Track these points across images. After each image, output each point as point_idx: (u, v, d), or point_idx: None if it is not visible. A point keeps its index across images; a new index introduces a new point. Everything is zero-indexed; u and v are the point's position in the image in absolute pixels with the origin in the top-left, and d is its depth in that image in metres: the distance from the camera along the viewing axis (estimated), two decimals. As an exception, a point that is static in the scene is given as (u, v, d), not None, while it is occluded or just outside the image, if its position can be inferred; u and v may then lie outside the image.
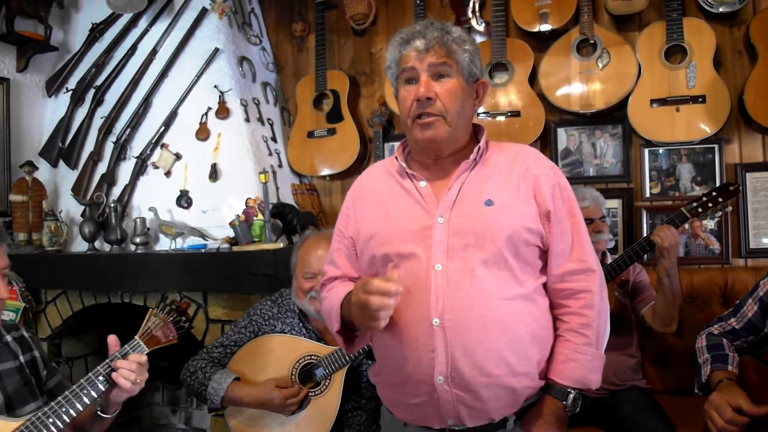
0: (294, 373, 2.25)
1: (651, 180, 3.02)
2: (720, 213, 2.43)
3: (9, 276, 1.69)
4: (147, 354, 1.71)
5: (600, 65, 2.94)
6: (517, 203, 1.50)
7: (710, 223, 2.92)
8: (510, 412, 1.49)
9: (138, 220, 3.21)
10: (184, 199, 3.22)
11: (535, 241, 1.50)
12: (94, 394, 1.60)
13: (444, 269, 1.44)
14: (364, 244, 1.60)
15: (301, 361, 2.26)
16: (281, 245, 2.89)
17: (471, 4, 3.23)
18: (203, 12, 3.37)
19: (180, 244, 3.16)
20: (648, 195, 3.02)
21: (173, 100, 3.35)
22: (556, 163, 3.09)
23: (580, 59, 2.97)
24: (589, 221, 2.46)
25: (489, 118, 3.10)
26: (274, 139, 3.53)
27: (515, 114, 3.07)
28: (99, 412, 1.70)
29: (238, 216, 2.94)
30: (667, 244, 2.30)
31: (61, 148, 3.61)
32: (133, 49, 3.53)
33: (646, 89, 2.87)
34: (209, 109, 3.29)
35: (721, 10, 2.79)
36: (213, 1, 3.32)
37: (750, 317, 1.89)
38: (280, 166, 3.50)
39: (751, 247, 2.86)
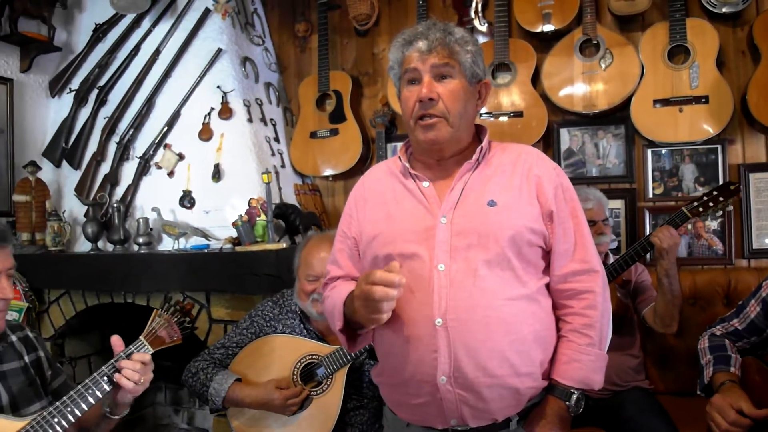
0: (295, 373, 2.25)
1: (654, 180, 3.02)
2: (721, 212, 2.43)
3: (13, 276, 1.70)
4: (151, 354, 1.72)
5: (603, 66, 2.93)
6: (520, 204, 1.50)
7: (713, 224, 2.92)
8: (513, 413, 1.49)
9: (141, 220, 3.22)
10: (187, 200, 3.22)
11: (538, 241, 1.50)
12: (99, 394, 1.61)
13: (447, 269, 1.44)
14: (366, 245, 1.60)
15: (302, 361, 2.26)
16: (284, 245, 2.89)
17: (474, 5, 3.23)
18: (206, 12, 3.38)
19: (183, 244, 3.16)
20: (651, 195, 3.02)
21: (176, 100, 3.36)
22: (559, 164, 3.09)
23: (582, 60, 2.97)
24: (591, 223, 2.45)
25: (492, 119, 3.10)
26: (276, 139, 3.53)
27: (518, 114, 3.07)
28: (108, 413, 1.71)
29: (240, 216, 2.95)
30: (666, 245, 2.29)
31: (64, 148, 3.62)
32: (136, 49, 3.53)
33: (649, 90, 2.86)
34: (212, 109, 3.30)
35: (724, 10, 2.79)
36: (216, 2, 3.33)
37: (752, 318, 1.89)
38: (283, 166, 3.50)
39: (754, 247, 2.86)
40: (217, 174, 3.20)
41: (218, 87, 3.30)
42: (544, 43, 3.10)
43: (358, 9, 3.38)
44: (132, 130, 3.45)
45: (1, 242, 1.60)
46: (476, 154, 1.55)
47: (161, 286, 3.02)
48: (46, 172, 3.62)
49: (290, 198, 3.42)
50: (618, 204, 3.04)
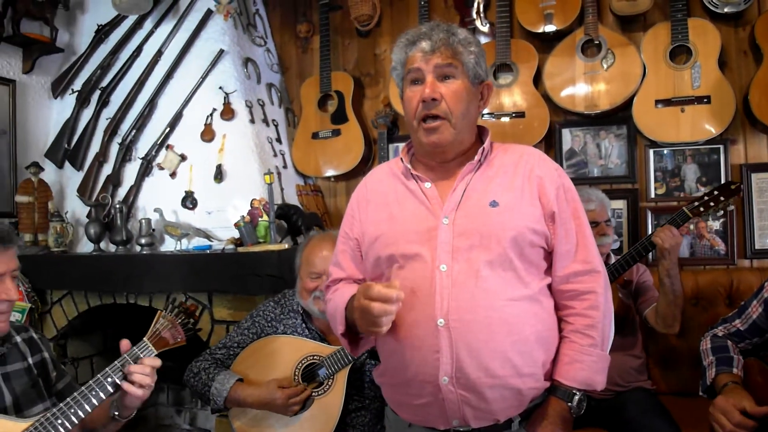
0: (297, 373, 2.26)
1: (656, 181, 3.01)
2: (722, 212, 2.42)
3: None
4: (160, 356, 1.72)
5: (605, 66, 2.93)
6: (522, 204, 1.50)
7: (715, 224, 2.92)
8: (515, 413, 1.49)
9: (143, 221, 3.22)
10: (189, 200, 3.23)
11: (540, 242, 1.50)
12: (102, 396, 1.61)
13: (449, 270, 1.44)
14: (369, 246, 1.60)
15: (303, 362, 2.26)
16: (286, 246, 2.90)
17: (475, 5, 3.23)
18: (208, 13, 3.38)
19: (185, 245, 3.17)
20: (653, 196, 3.02)
21: (178, 101, 3.36)
22: (561, 164, 3.09)
23: (584, 60, 2.97)
24: (594, 224, 2.45)
25: (493, 119, 3.10)
26: (278, 140, 3.53)
27: (520, 115, 3.07)
28: (116, 416, 1.71)
29: (243, 217, 2.95)
30: (667, 245, 2.29)
31: (66, 149, 3.63)
32: (139, 50, 3.54)
33: (650, 90, 2.86)
34: (214, 110, 3.30)
35: (726, 10, 2.79)
36: (218, 3, 3.34)
37: (755, 319, 1.89)
38: (285, 167, 3.50)
39: (756, 247, 2.86)
40: (219, 175, 3.21)
41: (220, 88, 3.30)
42: (546, 43, 3.10)
43: (360, 10, 3.39)
44: (134, 131, 3.45)
45: (6, 244, 1.60)
46: (478, 155, 1.55)
47: (163, 287, 3.02)
48: (49, 173, 3.62)
49: (292, 199, 3.42)
50: (620, 204, 3.04)
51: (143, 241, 3.19)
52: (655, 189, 3.02)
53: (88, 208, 3.44)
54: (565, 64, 3.01)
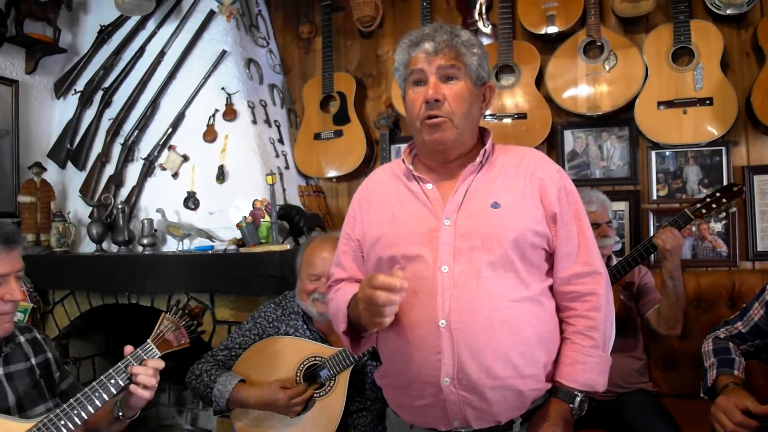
0: (298, 374, 2.26)
1: (658, 182, 3.01)
2: (724, 214, 2.42)
3: (18, 277, 1.71)
4: (161, 357, 1.73)
5: (607, 67, 2.93)
6: (524, 206, 1.50)
7: (717, 226, 2.91)
8: (516, 415, 1.49)
9: (145, 221, 3.22)
10: (191, 201, 3.23)
11: (542, 243, 1.50)
12: (105, 397, 1.62)
13: (450, 271, 1.45)
14: (370, 247, 1.60)
15: (305, 363, 2.27)
16: (288, 247, 2.90)
17: (477, 7, 3.23)
18: (211, 14, 3.39)
19: (187, 245, 3.17)
20: (655, 197, 3.02)
21: (181, 101, 3.36)
22: (563, 166, 3.09)
23: (587, 61, 2.97)
24: (595, 225, 2.46)
25: (495, 121, 3.10)
26: (281, 140, 3.54)
27: (522, 116, 3.07)
28: (120, 416, 1.72)
29: (245, 217, 2.95)
30: (669, 246, 2.29)
31: (69, 149, 3.63)
32: (141, 51, 3.54)
33: (653, 91, 2.86)
34: (216, 111, 3.30)
35: (728, 12, 2.78)
36: (221, 4, 3.34)
37: (756, 321, 1.89)
38: (287, 167, 3.50)
39: (758, 249, 2.85)
40: (221, 175, 3.21)
41: (223, 88, 3.30)
42: (548, 44, 3.10)
43: (363, 11, 3.39)
44: (137, 131, 3.45)
45: (11, 244, 1.61)
46: (480, 157, 1.55)
47: (165, 287, 3.03)
48: (51, 173, 3.63)
49: (294, 199, 3.43)
50: (622, 206, 3.04)
51: (145, 241, 3.20)
52: (657, 191, 3.01)
53: (91, 208, 3.45)
54: (567, 65, 3.01)
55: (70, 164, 3.64)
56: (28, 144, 3.68)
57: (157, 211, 3.20)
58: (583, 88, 2.98)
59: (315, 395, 2.23)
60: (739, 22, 2.87)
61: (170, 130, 3.36)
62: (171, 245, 3.27)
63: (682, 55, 2.85)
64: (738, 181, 2.87)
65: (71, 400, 1.58)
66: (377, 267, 1.57)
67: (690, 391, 2.47)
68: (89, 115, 3.64)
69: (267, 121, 3.46)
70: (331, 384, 2.23)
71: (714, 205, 2.32)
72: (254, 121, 3.33)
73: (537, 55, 3.08)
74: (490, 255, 1.45)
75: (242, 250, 2.93)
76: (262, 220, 2.97)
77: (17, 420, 1.56)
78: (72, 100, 3.71)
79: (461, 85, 1.52)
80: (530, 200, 1.51)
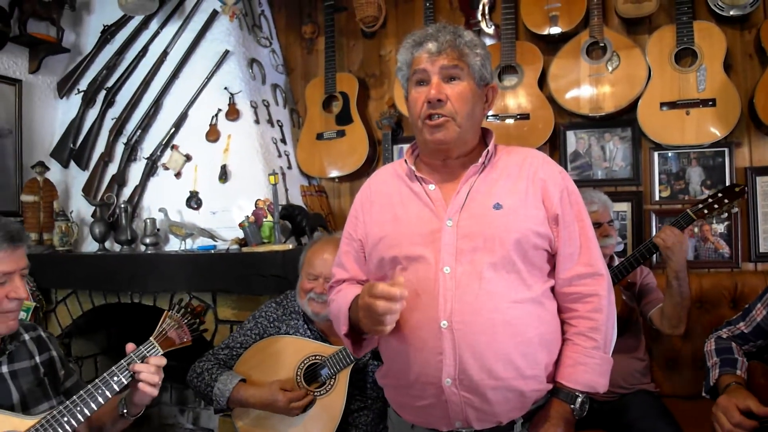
0: (299, 373, 2.26)
1: (660, 183, 3.01)
2: (726, 214, 2.42)
3: (21, 276, 1.71)
4: (164, 355, 1.73)
5: (610, 68, 2.93)
6: (526, 207, 1.50)
7: (720, 227, 2.91)
8: (518, 415, 1.50)
9: (148, 220, 3.23)
10: (194, 200, 3.23)
11: (544, 244, 1.50)
12: (108, 394, 1.62)
13: (452, 272, 1.45)
14: (372, 247, 1.60)
15: (305, 362, 2.27)
16: (290, 246, 2.90)
17: (481, 7, 3.23)
18: (214, 14, 3.39)
19: (190, 244, 3.17)
20: (657, 198, 3.01)
21: (184, 101, 3.37)
22: (565, 167, 3.09)
23: (589, 62, 2.97)
24: (597, 225, 2.46)
25: (498, 121, 3.10)
26: (283, 140, 3.54)
27: (524, 117, 3.07)
28: (125, 413, 1.73)
29: (247, 217, 2.96)
30: (669, 243, 2.28)
31: (72, 149, 3.64)
32: (144, 50, 3.55)
33: (656, 92, 2.86)
34: (219, 110, 3.31)
35: (731, 13, 2.78)
36: (224, 4, 3.34)
37: (759, 321, 1.89)
38: (290, 167, 3.51)
39: (761, 251, 2.85)
40: (224, 175, 3.22)
41: (225, 88, 3.31)
42: (551, 45, 3.10)
43: (365, 11, 3.39)
44: (139, 131, 3.46)
45: (16, 242, 1.61)
46: (482, 158, 1.55)
47: (168, 287, 3.03)
48: (54, 172, 3.63)
49: (297, 199, 3.43)
50: (624, 207, 3.03)
51: (148, 240, 3.20)
52: (660, 192, 3.01)
53: (93, 207, 3.45)
54: (570, 66, 3.01)
55: (73, 164, 3.65)
56: (31, 143, 3.69)
57: (160, 210, 3.20)
58: (586, 88, 2.97)
59: (316, 394, 2.23)
60: (743, 23, 2.86)
61: (173, 129, 3.37)
62: (173, 245, 3.28)
63: (685, 56, 2.85)
64: (741, 182, 2.86)
65: (74, 396, 1.59)
66: (379, 267, 1.58)
67: (692, 392, 2.48)
68: (92, 114, 3.64)
69: (270, 121, 3.46)
70: (332, 383, 2.23)
71: (716, 206, 2.32)
72: (257, 121, 3.33)
73: (540, 56, 3.08)
74: (492, 256, 1.45)
75: (245, 249, 2.94)
76: (264, 219, 2.97)
77: (21, 416, 1.57)
78: (75, 100, 3.71)
79: (464, 86, 1.52)
80: (532, 201, 1.51)
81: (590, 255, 1.55)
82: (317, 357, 2.26)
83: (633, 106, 2.91)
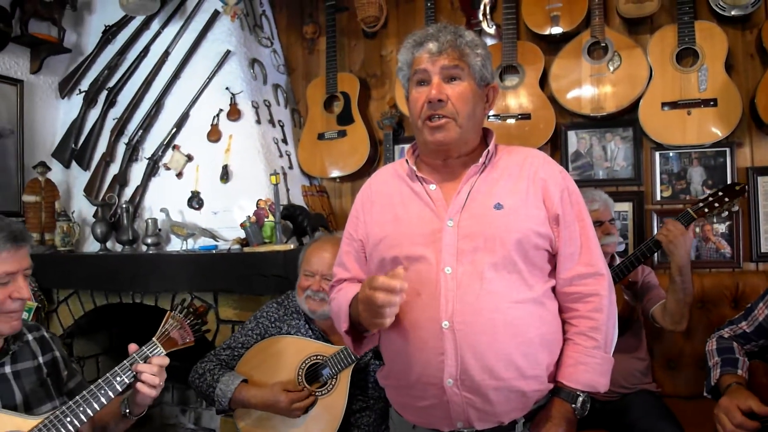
0: (300, 373, 2.26)
1: (662, 183, 3.01)
2: (727, 213, 2.42)
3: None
4: (166, 355, 1.74)
5: (611, 68, 2.93)
6: (527, 207, 1.50)
7: (721, 227, 2.91)
8: (519, 415, 1.50)
9: (149, 220, 3.23)
10: (195, 201, 3.24)
11: (544, 245, 1.50)
12: (111, 394, 1.62)
13: (454, 272, 1.45)
14: (373, 247, 1.61)
15: (307, 362, 2.27)
16: (292, 246, 2.90)
17: (482, 7, 3.23)
18: (215, 14, 3.39)
19: (191, 244, 3.17)
20: (659, 198, 3.01)
21: (185, 101, 3.37)
22: (567, 167, 3.09)
23: (591, 62, 2.96)
24: (599, 223, 2.47)
25: (499, 121, 3.10)
26: (284, 140, 3.54)
27: (525, 117, 3.07)
28: (127, 413, 1.73)
29: (249, 217, 2.96)
30: (672, 237, 2.28)
31: (73, 149, 3.64)
32: (146, 51, 3.55)
33: (657, 92, 2.86)
34: (221, 110, 3.31)
35: (733, 13, 2.78)
36: (225, 4, 3.34)
37: (761, 321, 1.89)
38: (291, 167, 3.51)
39: (762, 251, 2.84)
40: (225, 175, 3.22)
41: (227, 88, 3.31)
42: (553, 45, 3.10)
43: (367, 11, 3.39)
44: (141, 131, 3.46)
45: (20, 242, 1.61)
46: (483, 158, 1.55)
47: (169, 287, 3.04)
48: (56, 172, 3.64)
49: (298, 199, 3.43)
50: (626, 207, 3.03)
51: (149, 240, 3.21)
52: (661, 192, 3.01)
53: (95, 207, 3.46)
54: (571, 66, 3.01)
55: (74, 164, 3.65)
56: (33, 143, 3.69)
57: (162, 210, 3.21)
58: (587, 88, 2.97)
59: (317, 394, 2.23)
60: (744, 23, 2.86)
61: (174, 129, 3.37)
62: (175, 245, 3.28)
63: (687, 56, 2.85)
64: (742, 182, 2.86)
65: (77, 397, 1.59)
66: (380, 267, 1.57)
67: (693, 392, 2.48)
68: (94, 114, 3.65)
69: (271, 121, 3.46)
70: (333, 382, 2.23)
71: (716, 204, 2.32)
72: (258, 121, 3.34)
73: (541, 56, 3.08)
74: (493, 256, 1.45)
75: (246, 249, 2.94)
76: (265, 219, 2.97)
77: (24, 416, 1.57)
78: (76, 100, 3.72)
79: (464, 86, 1.52)
80: (533, 201, 1.51)
81: (591, 255, 1.55)
82: (319, 357, 2.26)
83: (634, 106, 2.92)
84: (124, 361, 1.67)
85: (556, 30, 3.01)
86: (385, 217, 1.61)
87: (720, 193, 2.33)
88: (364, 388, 2.28)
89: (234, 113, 3.29)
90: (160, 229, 3.25)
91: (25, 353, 1.72)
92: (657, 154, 3.01)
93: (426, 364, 1.46)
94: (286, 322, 2.38)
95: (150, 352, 1.71)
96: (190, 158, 3.33)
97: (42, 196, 3.47)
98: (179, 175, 3.34)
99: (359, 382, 2.26)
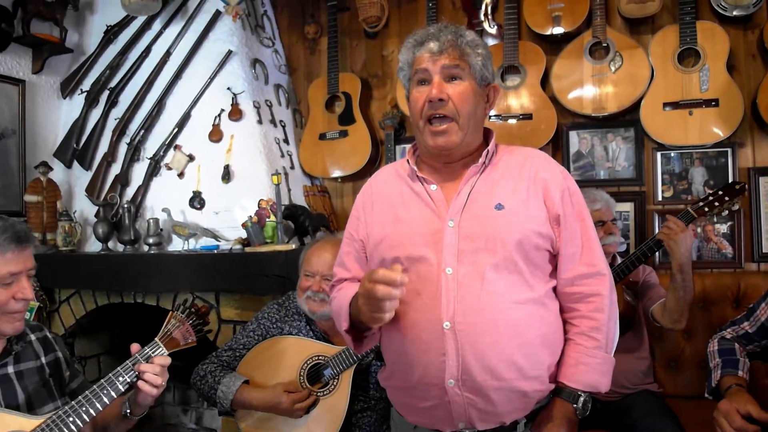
0: (302, 374, 2.26)
1: (663, 183, 3.01)
2: (727, 212, 2.42)
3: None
4: (168, 355, 1.74)
5: (613, 68, 2.93)
6: (528, 207, 1.50)
7: (723, 227, 2.91)
8: (521, 416, 1.50)
9: (151, 220, 3.23)
10: (196, 200, 3.24)
11: (545, 245, 1.50)
12: (113, 394, 1.63)
13: (455, 273, 1.45)
14: (374, 247, 1.61)
15: (309, 362, 2.27)
16: (293, 246, 2.90)
17: (483, 7, 3.23)
18: (217, 14, 3.39)
19: (193, 244, 3.18)
20: (660, 198, 3.01)
21: (186, 101, 3.37)
22: (568, 167, 3.09)
23: (592, 62, 2.96)
24: (601, 223, 2.47)
25: (501, 121, 3.10)
26: (286, 140, 3.54)
27: (527, 117, 3.07)
28: (128, 413, 1.73)
29: (250, 217, 2.96)
30: (673, 234, 2.28)
31: (75, 149, 3.64)
32: (147, 51, 3.55)
33: (659, 92, 2.86)
34: (222, 110, 3.31)
35: (734, 13, 2.78)
36: (227, 4, 3.34)
37: (763, 321, 1.89)
38: (292, 167, 3.51)
39: (763, 251, 2.84)
40: (226, 175, 3.22)
41: (228, 89, 3.31)
42: (554, 45, 3.10)
43: (368, 11, 3.38)
44: (142, 131, 3.46)
45: (23, 243, 1.62)
46: (482, 158, 1.55)
47: (171, 287, 3.04)
48: (57, 172, 3.64)
49: (299, 199, 3.43)
50: (627, 207, 3.03)
51: (151, 240, 3.21)
52: (663, 192, 3.01)
53: (97, 207, 3.46)
54: (572, 66, 3.00)
55: (76, 164, 3.65)
56: (35, 143, 3.69)
57: (163, 210, 3.21)
58: (589, 89, 2.97)
59: (319, 394, 2.24)
60: (746, 23, 2.86)
61: (176, 129, 3.37)
62: (176, 245, 3.28)
63: (688, 56, 2.85)
64: (743, 181, 2.86)
65: (80, 397, 1.60)
66: (381, 267, 1.57)
67: (695, 392, 2.48)
68: (95, 114, 3.65)
69: (272, 121, 3.46)
70: (335, 383, 2.23)
71: (716, 204, 2.32)
72: (260, 121, 3.34)
73: (542, 56, 3.07)
74: (494, 257, 1.45)
75: (247, 249, 2.94)
76: (267, 219, 2.98)
77: (27, 416, 1.57)
78: (78, 100, 3.72)
79: (465, 85, 1.52)
80: (534, 202, 1.51)
81: (592, 255, 1.55)
82: (320, 357, 2.26)
83: (636, 107, 2.91)
84: (127, 361, 1.67)
85: (558, 30, 3.01)
86: (386, 217, 1.61)
87: (720, 192, 2.33)
88: (366, 388, 2.28)
89: (235, 113, 3.29)
90: (161, 229, 3.25)
91: (28, 354, 1.72)
92: (658, 154, 3.01)
93: (427, 365, 1.46)
94: (287, 323, 2.38)
95: (152, 352, 1.71)
96: (191, 158, 3.34)
97: (44, 196, 3.47)
98: (181, 175, 3.35)
99: (361, 382, 2.26)
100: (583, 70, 2.98)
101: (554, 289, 1.55)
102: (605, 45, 2.94)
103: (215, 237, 3.14)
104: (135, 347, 1.71)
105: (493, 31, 3.23)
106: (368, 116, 3.52)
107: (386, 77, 3.55)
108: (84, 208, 3.58)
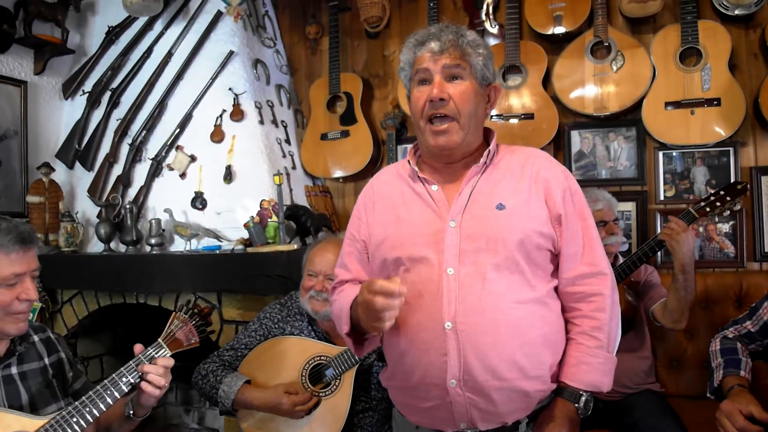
0: (304, 374, 2.27)
1: (665, 183, 3.00)
2: (728, 212, 2.41)
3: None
4: (171, 356, 1.74)
5: (614, 68, 2.93)
6: (529, 207, 1.50)
7: (725, 227, 2.90)
8: (522, 416, 1.50)
9: (153, 221, 3.24)
10: (198, 201, 3.24)
11: (547, 245, 1.50)
12: (117, 395, 1.63)
13: (456, 273, 1.45)
14: (375, 248, 1.61)
15: (311, 362, 2.27)
16: (295, 247, 2.91)
17: (484, 7, 3.22)
18: (218, 15, 3.39)
19: (195, 245, 3.18)
20: (662, 198, 3.01)
21: (188, 102, 3.38)
22: (570, 166, 3.09)
23: (594, 62, 2.96)
24: (602, 223, 2.47)
25: (502, 121, 3.10)
26: (287, 141, 3.54)
27: (528, 116, 3.07)
28: (131, 414, 1.73)
29: (252, 217, 2.96)
30: (674, 234, 2.28)
31: (77, 149, 3.65)
32: (149, 51, 3.56)
33: (660, 92, 2.85)
34: (224, 111, 3.32)
35: (736, 12, 2.77)
36: (228, 5, 3.34)
37: (766, 320, 1.89)
38: (294, 168, 3.51)
39: (766, 250, 2.84)
40: (228, 175, 3.22)
41: (230, 89, 3.31)
42: (555, 45, 3.09)
43: (369, 11, 3.39)
44: (144, 131, 3.47)
45: (28, 244, 1.62)
46: (483, 158, 1.55)
47: (173, 287, 3.04)
48: (60, 173, 3.65)
49: (301, 199, 3.43)
50: (629, 206, 3.03)
51: (153, 241, 3.21)
52: (665, 191, 3.01)
53: (99, 208, 3.47)
54: (574, 65, 3.00)
55: (78, 164, 3.66)
56: (37, 144, 3.70)
57: (165, 211, 3.21)
58: (590, 88, 2.97)
59: (321, 394, 2.24)
60: (747, 22, 2.85)
61: (178, 130, 3.38)
62: (179, 245, 3.29)
63: (690, 55, 2.84)
64: (745, 181, 2.85)
65: (83, 397, 1.60)
66: (382, 268, 1.58)
67: (697, 392, 2.48)
68: (97, 115, 3.65)
69: (274, 122, 3.47)
70: (337, 383, 2.24)
71: (718, 203, 2.32)
72: (261, 122, 3.34)
73: (544, 56, 3.07)
74: (495, 257, 1.45)
75: (249, 249, 2.94)
76: (269, 220, 2.98)
77: (31, 417, 1.58)
78: (80, 101, 3.72)
79: (466, 85, 1.52)
80: (535, 201, 1.51)
81: (593, 254, 1.55)
82: (322, 357, 2.26)
83: (637, 106, 2.91)
84: (130, 362, 1.68)
85: (559, 30, 3.01)
86: (388, 217, 1.61)
87: (722, 192, 2.33)
88: (368, 388, 2.28)
89: (237, 114, 3.29)
90: (163, 230, 3.26)
91: (31, 354, 1.72)
92: (660, 153, 3.01)
93: (429, 365, 1.46)
94: (289, 323, 2.38)
95: (156, 353, 1.71)
96: (193, 159, 3.34)
97: (46, 196, 3.48)
98: (183, 175, 3.35)
99: (363, 382, 2.27)
100: (584, 69, 2.98)
101: (556, 288, 1.55)
102: (607, 44, 2.94)
103: (217, 237, 3.15)
104: (138, 348, 1.72)
105: (495, 30, 3.23)
106: (370, 116, 3.52)
107: (387, 77, 3.55)
108: (86, 208, 3.59)
